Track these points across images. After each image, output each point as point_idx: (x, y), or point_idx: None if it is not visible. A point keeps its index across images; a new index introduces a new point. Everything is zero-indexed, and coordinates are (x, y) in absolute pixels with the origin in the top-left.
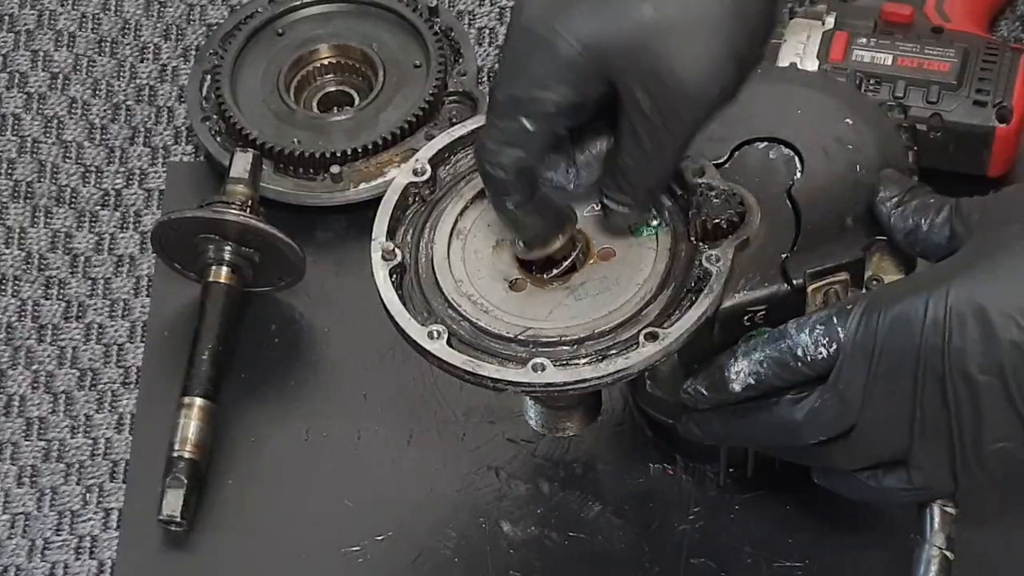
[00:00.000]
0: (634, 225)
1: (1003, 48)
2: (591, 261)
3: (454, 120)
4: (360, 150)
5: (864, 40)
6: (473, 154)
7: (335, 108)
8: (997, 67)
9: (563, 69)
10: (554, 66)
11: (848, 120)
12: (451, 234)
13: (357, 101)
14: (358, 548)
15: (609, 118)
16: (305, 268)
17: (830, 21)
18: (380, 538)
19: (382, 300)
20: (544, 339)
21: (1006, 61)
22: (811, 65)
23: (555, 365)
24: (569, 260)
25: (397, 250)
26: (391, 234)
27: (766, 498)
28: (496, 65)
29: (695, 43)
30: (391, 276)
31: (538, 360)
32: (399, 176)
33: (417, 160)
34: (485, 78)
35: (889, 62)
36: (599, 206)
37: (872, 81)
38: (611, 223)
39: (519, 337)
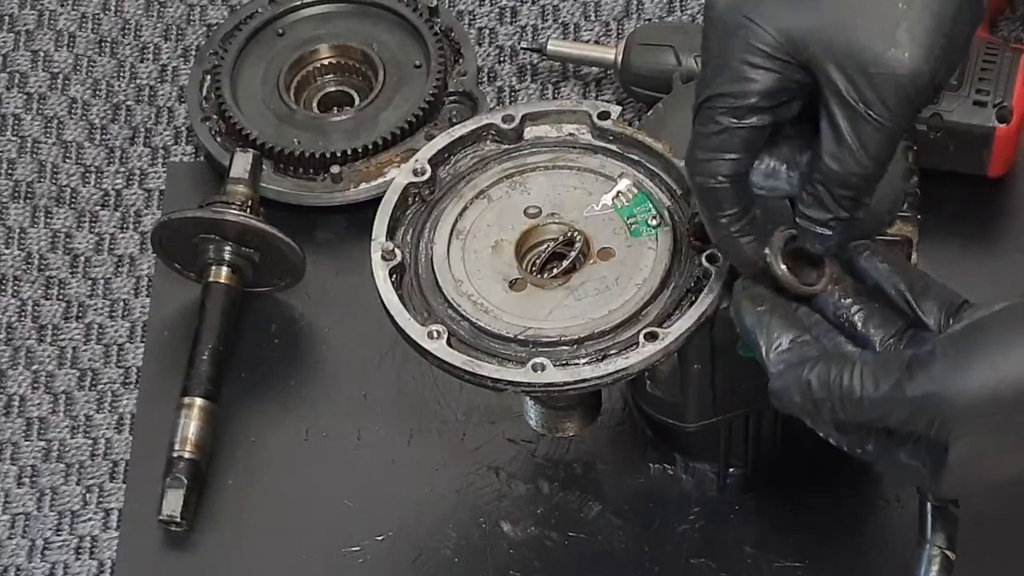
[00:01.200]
0: (629, 191)
1: (1003, 48)
2: (591, 261)
3: (454, 120)
4: (360, 150)
5: None
6: (685, 174)
7: (335, 108)
8: (997, 67)
9: (760, 56)
10: (751, 54)
11: None
12: (451, 234)
13: (357, 101)
14: (358, 548)
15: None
16: (305, 268)
17: None
18: (380, 538)
19: (382, 300)
20: (544, 339)
21: (1006, 61)
22: None
23: (555, 365)
24: (570, 260)
25: (397, 250)
26: (391, 234)
27: (766, 498)
28: (496, 66)
29: (893, 18)
30: (391, 276)
31: (538, 360)
32: (399, 176)
33: (417, 160)
34: (485, 78)
35: None
36: (598, 205)
37: None
38: (810, 247)
39: (519, 337)
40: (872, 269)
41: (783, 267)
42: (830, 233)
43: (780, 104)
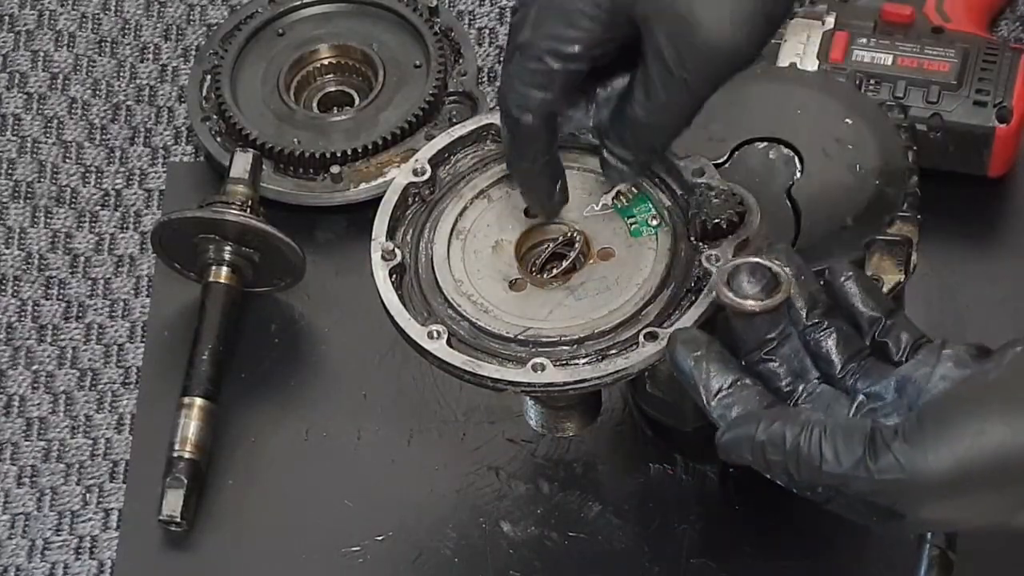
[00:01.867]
0: (629, 191)
1: (1003, 48)
2: (591, 261)
3: (454, 120)
4: (360, 150)
5: (864, 40)
6: (497, 101)
7: (335, 108)
8: (997, 67)
9: (592, 6)
10: (584, 3)
11: (848, 120)
12: (451, 234)
13: (357, 101)
14: (358, 548)
15: (629, 61)
16: (305, 268)
17: (830, 21)
18: (380, 538)
19: (382, 300)
20: (544, 339)
21: (1006, 61)
22: (811, 65)
23: (555, 365)
24: (570, 260)
25: (397, 250)
26: (391, 234)
27: (766, 498)
28: (496, 66)
29: None
30: (391, 276)
31: (538, 360)
32: (399, 176)
33: (417, 160)
34: (485, 78)
35: (889, 62)
36: (598, 205)
37: (872, 81)
38: (607, 177)
39: (519, 337)
40: (848, 291)
41: (727, 290)
42: (627, 169)
43: (598, 53)
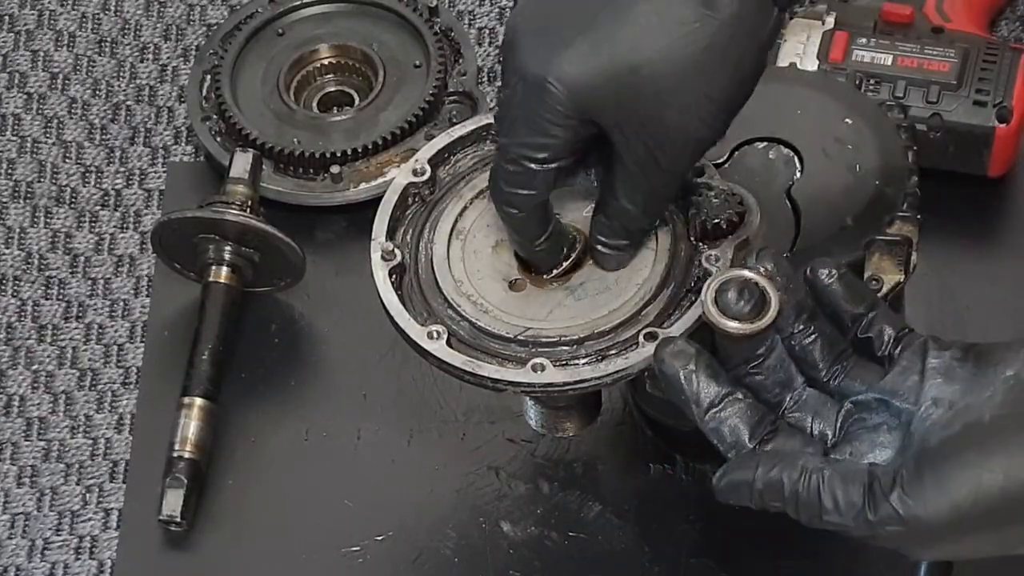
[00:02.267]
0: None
1: (1003, 48)
2: (591, 261)
3: (454, 120)
4: (360, 150)
5: (864, 40)
6: (490, 196)
7: (335, 108)
8: (997, 67)
9: (556, 114)
10: (550, 114)
11: (848, 120)
12: (451, 234)
13: (357, 101)
14: (358, 548)
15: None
16: (305, 268)
17: (830, 21)
18: (380, 538)
19: (382, 300)
20: (544, 339)
21: (1006, 61)
22: (811, 65)
23: (555, 365)
24: (570, 261)
25: (397, 250)
26: (391, 234)
27: None
28: (496, 66)
29: (684, 92)
30: (391, 276)
31: (538, 360)
32: (399, 176)
33: (417, 160)
34: (485, 78)
35: (889, 62)
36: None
37: (872, 81)
38: (606, 264)
39: (519, 337)
40: (831, 292)
41: (714, 310)
42: (621, 254)
43: (575, 152)
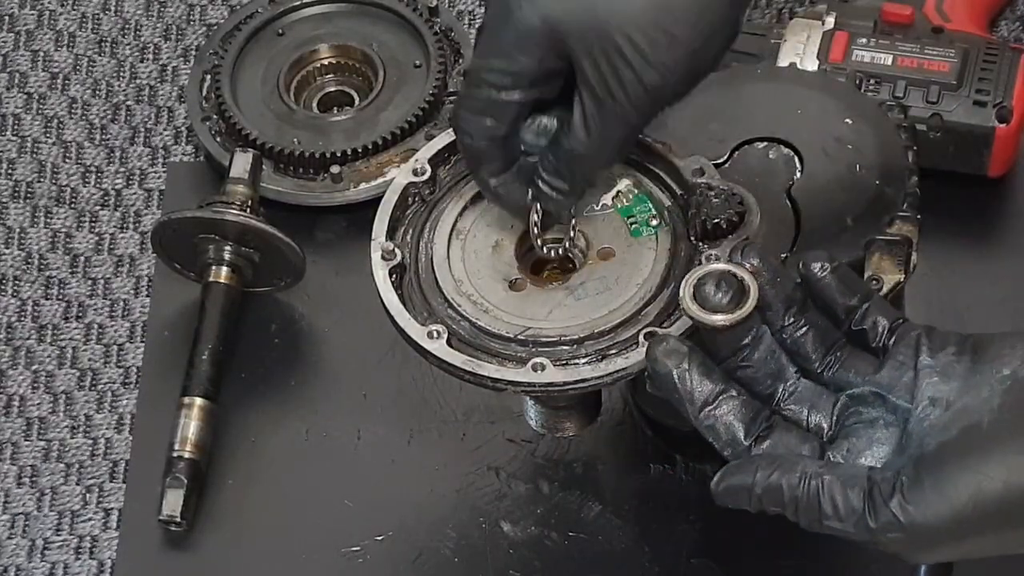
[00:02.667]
0: (629, 191)
1: (1003, 48)
2: (590, 261)
3: None
4: (360, 150)
5: (864, 40)
6: (450, 125)
7: (335, 108)
8: (997, 67)
9: (524, 40)
10: (516, 36)
11: (848, 120)
12: (451, 234)
13: (357, 101)
14: (358, 548)
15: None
16: (305, 268)
17: (830, 21)
18: (380, 538)
19: (382, 300)
20: (544, 339)
21: (1006, 61)
22: (811, 65)
23: (555, 365)
24: (561, 249)
25: (397, 250)
26: (391, 234)
27: None
28: None
29: (654, 31)
30: (391, 276)
31: (538, 360)
32: (399, 176)
33: (417, 160)
34: None
35: (889, 62)
36: (598, 205)
37: (872, 81)
38: (543, 203)
39: (519, 337)
40: (825, 285)
41: (693, 305)
42: (562, 199)
43: (541, 84)
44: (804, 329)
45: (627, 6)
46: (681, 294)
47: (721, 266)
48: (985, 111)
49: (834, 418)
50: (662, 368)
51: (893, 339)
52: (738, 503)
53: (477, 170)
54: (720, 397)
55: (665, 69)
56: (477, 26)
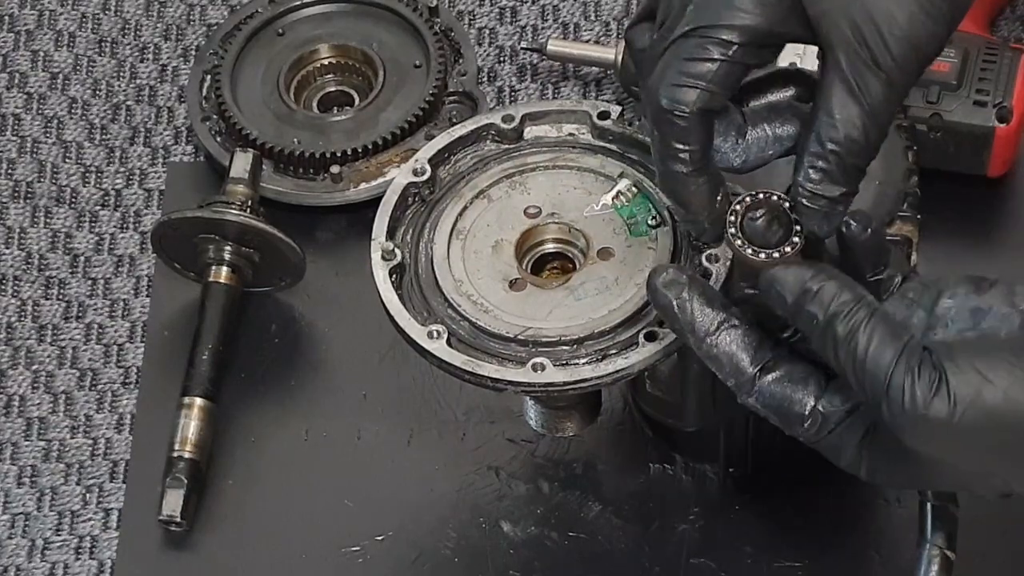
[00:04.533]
0: (629, 191)
1: (1003, 48)
2: (591, 261)
3: (454, 120)
4: (360, 150)
5: None
6: (644, 98)
7: (335, 108)
8: (997, 67)
9: None
10: None
11: None
12: (451, 234)
13: (357, 101)
14: (358, 548)
15: (800, 88)
16: (305, 268)
17: None
18: (380, 538)
19: (382, 300)
20: (544, 339)
21: (1006, 61)
22: (811, 65)
23: (555, 365)
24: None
25: (397, 250)
26: (391, 234)
27: (766, 498)
28: (496, 66)
29: None
30: (391, 276)
31: (538, 360)
32: (399, 176)
33: (417, 160)
34: (485, 78)
35: None
36: (598, 205)
37: None
38: (813, 223)
39: (519, 337)
40: (858, 239)
41: (742, 241)
42: (839, 206)
43: (766, 48)
44: (825, 278)
45: None
46: (728, 224)
47: (773, 198)
48: (985, 111)
49: None
50: (662, 299)
51: (903, 281)
52: (782, 291)
53: (674, 150)
54: (722, 326)
55: (927, 17)
56: (478, 26)
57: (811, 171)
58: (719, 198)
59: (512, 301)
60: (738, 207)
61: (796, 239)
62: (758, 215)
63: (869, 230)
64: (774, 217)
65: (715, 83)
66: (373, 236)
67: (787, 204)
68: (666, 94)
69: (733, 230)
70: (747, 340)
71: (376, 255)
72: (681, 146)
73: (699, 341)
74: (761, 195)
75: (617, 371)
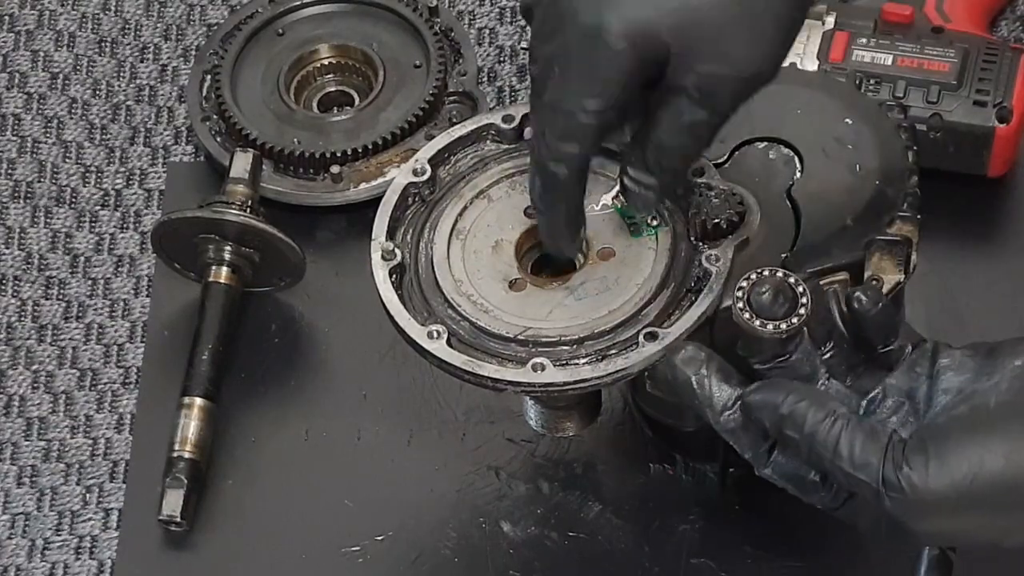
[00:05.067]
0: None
1: (1003, 48)
2: (590, 261)
3: (454, 120)
4: (360, 150)
5: (864, 40)
6: (529, 153)
7: (335, 108)
8: (997, 67)
9: (614, 60)
10: (605, 59)
11: (848, 120)
12: (451, 234)
13: (357, 101)
14: (358, 548)
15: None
16: (305, 268)
17: (830, 21)
18: (380, 538)
19: (382, 300)
20: (544, 339)
21: (1006, 61)
22: (811, 65)
23: (555, 365)
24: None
25: (397, 250)
26: (391, 234)
27: (766, 498)
28: (496, 66)
29: (750, 25)
30: (391, 276)
31: (538, 360)
32: (399, 176)
33: (417, 160)
34: (485, 78)
35: (889, 62)
36: (598, 205)
37: (872, 81)
38: (631, 201)
39: (519, 337)
40: (868, 315)
41: (748, 316)
42: (651, 194)
43: (626, 98)
44: (834, 351)
45: (723, 9)
46: (735, 300)
47: (779, 275)
48: (985, 111)
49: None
50: (681, 375)
51: (912, 352)
52: (760, 417)
53: (549, 201)
54: (739, 401)
55: (762, 59)
56: (478, 26)
57: (634, 159)
58: (580, 235)
59: (512, 301)
60: (744, 283)
61: (802, 311)
62: (764, 290)
63: (879, 304)
64: (779, 291)
65: (586, 144)
66: (373, 236)
67: (792, 279)
68: (546, 155)
69: (741, 305)
70: None
71: (376, 255)
72: (561, 196)
73: (716, 416)
74: (766, 271)
75: (617, 371)
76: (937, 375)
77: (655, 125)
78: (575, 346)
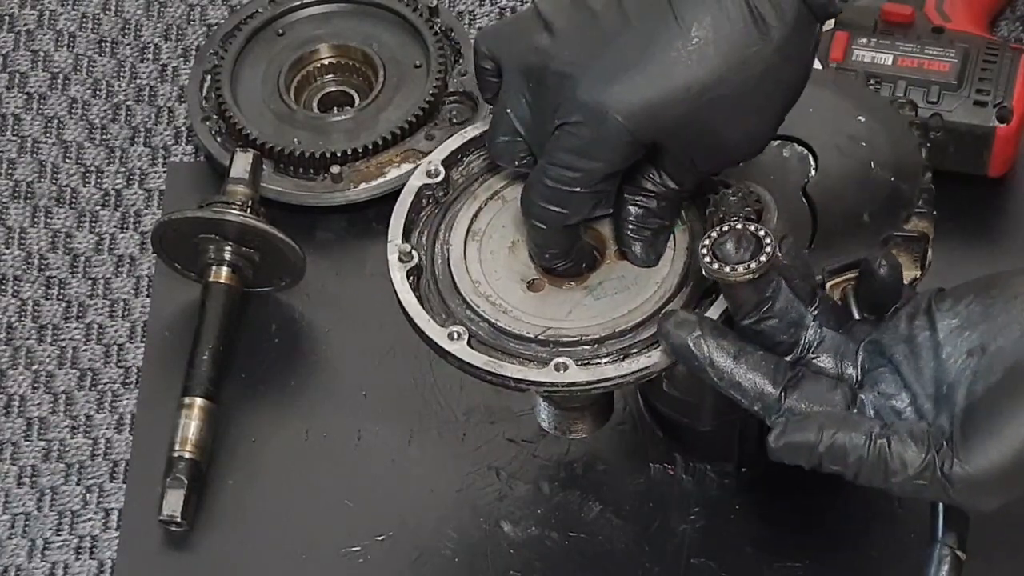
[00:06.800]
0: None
1: (1003, 48)
2: (608, 260)
3: (454, 120)
4: (360, 150)
5: (864, 40)
6: (520, 206)
7: (335, 108)
8: (997, 67)
9: (612, 140)
10: (603, 142)
11: (860, 118)
12: (467, 235)
13: (357, 101)
14: (358, 548)
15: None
16: (305, 268)
17: (830, 21)
18: (380, 538)
19: (400, 302)
20: (565, 339)
21: (1006, 61)
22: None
23: (577, 365)
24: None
25: (414, 252)
26: (405, 236)
27: (766, 498)
28: None
29: (742, 113)
30: (408, 278)
31: (560, 360)
32: (412, 178)
33: (431, 162)
34: None
35: (889, 62)
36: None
37: (872, 81)
38: (633, 250)
39: (539, 337)
40: (877, 275)
41: (715, 264)
42: (649, 235)
43: (618, 177)
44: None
45: (721, 100)
46: (700, 258)
47: (735, 225)
48: (985, 111)
49: (859, 365)
50: (677, 339)
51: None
52: (795, 460)
53: (542, 252)
54: (739, 355)
55: (758, 142)
56: (478, 26)
57: (632, 208)
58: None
59: (531, 301)
60: (707, 241)
61: (768, 250)
62: (726, 239)
63: (897, 268)
64: (740, 237)
65: (571, 210)
66: (389, 238)
67: (752, 227)
68: (532, 213)
69: (708, 258)
70: (765, 364)
71: (393, 257)
72: (546, 248)
73: (719, 373)
74: (726, 226)
75: (640, 370)
76: (935, 323)
77: (643, 178)
78: (596, 345)
